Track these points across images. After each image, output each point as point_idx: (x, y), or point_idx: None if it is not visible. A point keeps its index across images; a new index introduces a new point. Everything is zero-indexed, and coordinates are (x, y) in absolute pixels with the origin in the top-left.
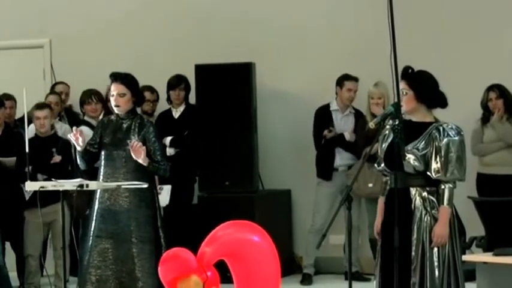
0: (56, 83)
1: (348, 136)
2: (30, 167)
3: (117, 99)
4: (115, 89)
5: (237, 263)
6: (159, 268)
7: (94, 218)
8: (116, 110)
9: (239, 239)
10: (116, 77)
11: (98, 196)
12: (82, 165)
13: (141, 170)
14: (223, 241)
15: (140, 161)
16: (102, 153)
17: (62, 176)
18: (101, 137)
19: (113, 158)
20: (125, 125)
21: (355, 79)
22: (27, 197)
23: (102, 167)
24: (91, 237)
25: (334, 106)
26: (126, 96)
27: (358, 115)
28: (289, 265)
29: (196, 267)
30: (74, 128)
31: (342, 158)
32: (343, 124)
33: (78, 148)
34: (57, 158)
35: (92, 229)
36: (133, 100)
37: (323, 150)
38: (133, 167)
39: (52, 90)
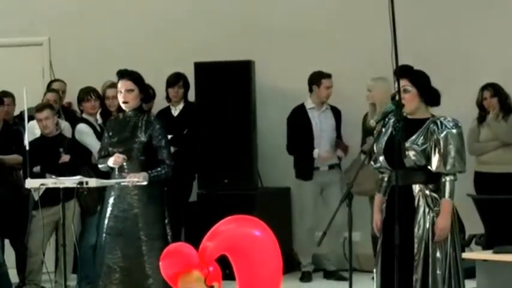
0: (53, 81)
1: (316, 155)
2: (38, 167)
3: (126, 95)
4: (123, 86)
5: (238, 258)
6: (160, 263)
7: (107, 215)
8: (124, 106)
9: (241, 233)
10: (123, 74)
11: (110, 194)
12: (105, 169)
13: (148, 167)
14: (225, 236)
15: (142, 182)
16: (109, 150)
17: (71, 176)
18: (110, 136)
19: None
20: (131, 123)
21: (330, 75)
22: (36, 196)
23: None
24: (104, 235)
25: (310, 104)
26: (134, 92)
27: (335, 111)
28: (289, 263)
29: (197, 262)
30: (118, 155)
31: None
32: (323, 121)
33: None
34: (65, 158)
35: (105, 227)
36: (141, 97)
37: (298, 151)
38: (141, 165)
39: (49, 88)
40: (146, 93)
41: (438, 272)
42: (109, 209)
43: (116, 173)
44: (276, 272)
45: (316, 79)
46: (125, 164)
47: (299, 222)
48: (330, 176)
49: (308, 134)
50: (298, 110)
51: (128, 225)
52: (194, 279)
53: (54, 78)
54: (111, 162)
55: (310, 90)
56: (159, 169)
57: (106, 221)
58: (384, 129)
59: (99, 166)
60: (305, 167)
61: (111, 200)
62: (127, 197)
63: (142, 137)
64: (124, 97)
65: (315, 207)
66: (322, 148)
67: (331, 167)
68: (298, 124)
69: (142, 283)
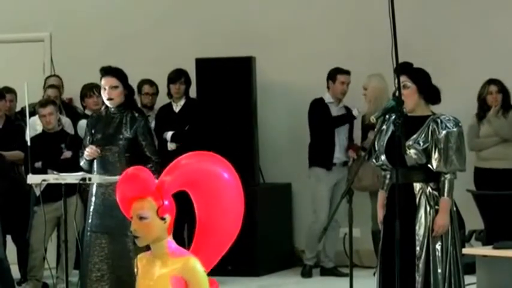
0: (49, 77)
1: (357, 112)
2: (40, 163)
3: (110, 92)
4: (107, 83)
5: (198, 193)
6: (117, 187)
7: (90, 213)
8: (108, 103)
9: (201, 169)
10: (107, 71)
11: (93, 192)
12: (85, 166)
13: (133, 164)
14: (184, 170)
15: None
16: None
17: (73, 172)
18: (92, 133)
19: (105, 153)
20: (116, 120)
21: (347, 72)
22: (37, 192)
23: (95, 163)
24: (88, 233)
25: (328, 99)
26: (119, 89)
27: (348, 111)
28: (290, 258)
29: (154, 190)
30: (91, 146)
31: (340, 152)
32: None
33: (91, 158)
34: (67, 154)
35: (88, 225)
36: (125, 93)
37: (321, 140)
38: (126, 162)
39: (46, 84)
40: (130, 89)
41: (439, 270)
42: (92, 207)
43: (96, 169)
44: (236, 209)
45: (333, 74)
46: (110, 160)
47: (310, 215)
48: (343, 173)
49: (329, 126)
50: (318, 102)
51: (114, 222)
52: (147, 206)
53: (55, 74)
54: (85, 154)
55: (328, 86)
56: (150, 165)
57: (90, 219)
58: (385, 127)
59: (81, 164)
60: (326, 157)
61: (93, 198)
62: (112, 193)
63: (127, 134)
64: (109, 94)
65: (328, 203)
66: (338, 145)
67: (345, 163)
68: (320, 114)
69: (128, 280)
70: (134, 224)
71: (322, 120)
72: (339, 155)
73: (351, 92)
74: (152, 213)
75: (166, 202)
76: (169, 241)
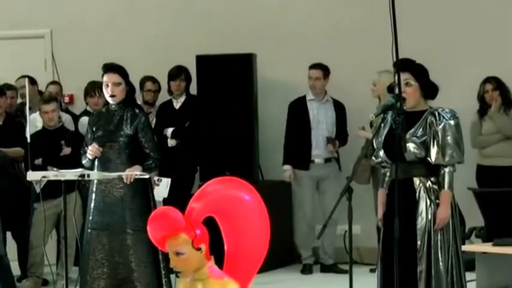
0: (19, 78)
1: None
2: (40, 160)
3: (113, 88)
4: (109, 79)
5: (226, 219)
6: (148, 226)
7: (91, 210)
8: (111, 100)
9: (228, 196)
10: (109, 67)
11: (93, 189)
12: (88, 164)
13: (133, 160)
14: (211, 198)
15: (144, 176)
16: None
17: (72, 168)
18: (93, 131)
19: (106, 150)
20: (117, 117)
21: (316, 66)
22: (37, 189)
23: (96, 160)
24: (89, 230)
25: (310, 96)
26: (122, 86)
27: (338, 105)
28: (290, 255)
29: (184, 225)
30: (94, 144)
31: (319, 149)
32: (321, 112)
33: (94, 156)
34: (67, 151)
35: (89, 222)
36: (127, 90)
37: (295, 141)
38: (126, 158)
39: (20, 86)
40: (131, 86)
41: (441, 263)
42: (92, 204)
43: (97, 166)
44: (263, 234)
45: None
46: (111, 157)
47: (298, 215)
48: (326, 170)
49: (305, 124)
50: (298, 100)
51: (115, 219)
52: (181, 241)
53: (57, 71)
54: (88, 153)
55: None
56: (150, 162)
57: (90, 217)
58: (383, 124)
59: (83, 162)
60: (302, 157)
61: (93, 195)
62: (112, 190)
63: (128, 130)
64: (112, 90)
65: (312, 200)
66: (315, 142)
67: (327, 160)
68: (296, 114)
69: (128, 276)
70: (173, 261)
71: (297, 121)
72: (318, 152)
73: (350, 90)
74: (188, 247)
75: (198, 231)
76: (210, 266)
